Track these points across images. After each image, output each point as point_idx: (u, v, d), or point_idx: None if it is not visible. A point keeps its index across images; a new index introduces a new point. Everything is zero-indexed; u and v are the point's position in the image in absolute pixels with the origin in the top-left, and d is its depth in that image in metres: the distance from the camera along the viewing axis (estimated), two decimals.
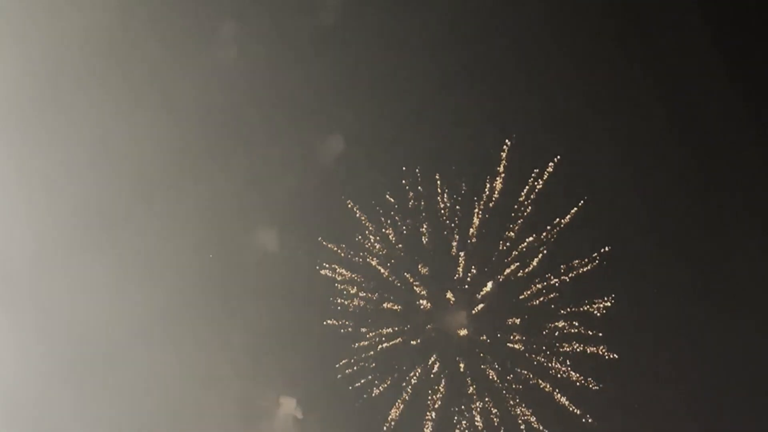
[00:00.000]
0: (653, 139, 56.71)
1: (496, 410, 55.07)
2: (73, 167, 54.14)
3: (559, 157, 55.20)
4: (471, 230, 55.95)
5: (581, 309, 55.59)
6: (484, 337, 56.07)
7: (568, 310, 55.62)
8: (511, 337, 55.81)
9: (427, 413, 55.25)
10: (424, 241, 56.37)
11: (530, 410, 54.92)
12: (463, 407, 55.29)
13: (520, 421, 54.89)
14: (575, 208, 55.73)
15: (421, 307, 56.46)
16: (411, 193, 55.69)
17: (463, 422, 54.96)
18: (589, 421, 54.65)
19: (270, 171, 54.93)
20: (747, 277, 55.07)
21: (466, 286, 56.29)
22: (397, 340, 56.12)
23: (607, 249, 55.27)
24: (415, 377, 55.67)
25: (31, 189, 53.88)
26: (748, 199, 56.33)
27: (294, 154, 55.08)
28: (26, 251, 53.52)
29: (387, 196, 55.73)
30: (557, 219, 55.69)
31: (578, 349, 55.25)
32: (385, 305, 56.17)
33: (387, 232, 56.13)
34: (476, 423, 55.06)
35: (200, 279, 54.65)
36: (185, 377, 54.09)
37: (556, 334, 55.48)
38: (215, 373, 54.98)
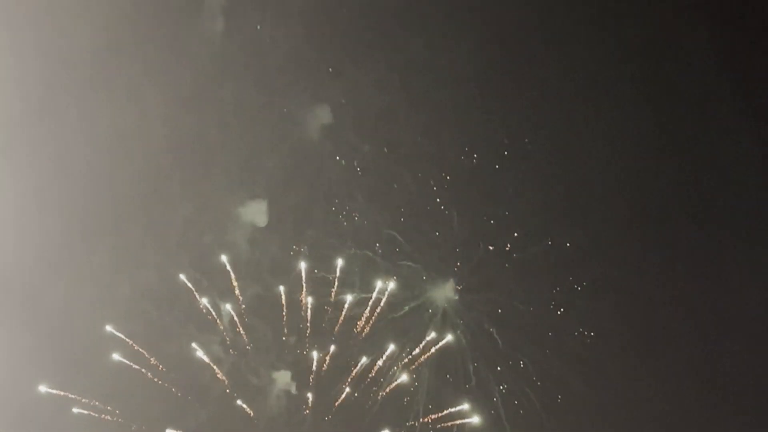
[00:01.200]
0: (630, 127, 58.56)
1: (476, 385, 55.46)
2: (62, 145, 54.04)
3: (527, 139, 56.49)
4: (449, 212, 56.63)
5: (557, 290, 56.60)
6: (463, 319, 56.51)
7: (545, 291, 56.48)
8: (489, 315, 56.45)
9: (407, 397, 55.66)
10: (403, 219, 56.77)
11: (508, 384, 55.42)
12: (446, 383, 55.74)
13: (499, 395, 55.26)
14: (551, 188, 56.89)
15: (402, 284, 56.50)
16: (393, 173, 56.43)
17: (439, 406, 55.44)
18: (562, 397, 55.56)
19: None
20: (722, 264, 57.17)
21: (445, 265, 56.65)
22: (377, 315, 56.11)
23: (581, 231, 56.48)
24: (399, 354, 55.75)
25: None
26: (723, 191, 58.47)
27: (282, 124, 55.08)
28: None
29: (365, 175, 56.23)
30: (535, 202, 56.75)
31: (555, 331, 56.16)
32: (365, 284, 56.19)
33: (368, 209, 56.55)
34: (457, 406, 55.43)
35: None
36: None
37: (528, 315, 56.38)
38: None
